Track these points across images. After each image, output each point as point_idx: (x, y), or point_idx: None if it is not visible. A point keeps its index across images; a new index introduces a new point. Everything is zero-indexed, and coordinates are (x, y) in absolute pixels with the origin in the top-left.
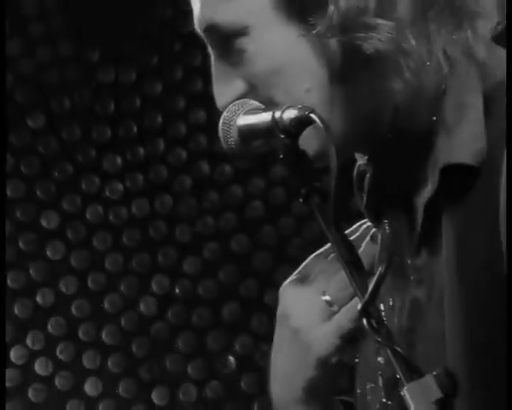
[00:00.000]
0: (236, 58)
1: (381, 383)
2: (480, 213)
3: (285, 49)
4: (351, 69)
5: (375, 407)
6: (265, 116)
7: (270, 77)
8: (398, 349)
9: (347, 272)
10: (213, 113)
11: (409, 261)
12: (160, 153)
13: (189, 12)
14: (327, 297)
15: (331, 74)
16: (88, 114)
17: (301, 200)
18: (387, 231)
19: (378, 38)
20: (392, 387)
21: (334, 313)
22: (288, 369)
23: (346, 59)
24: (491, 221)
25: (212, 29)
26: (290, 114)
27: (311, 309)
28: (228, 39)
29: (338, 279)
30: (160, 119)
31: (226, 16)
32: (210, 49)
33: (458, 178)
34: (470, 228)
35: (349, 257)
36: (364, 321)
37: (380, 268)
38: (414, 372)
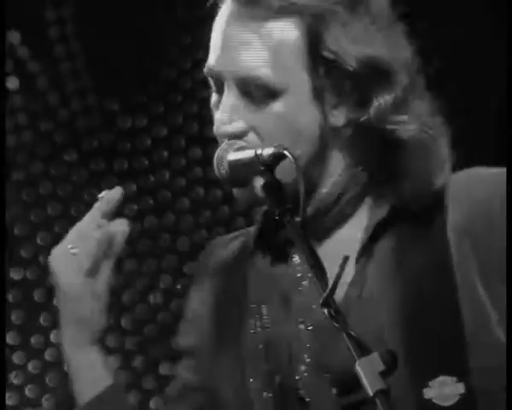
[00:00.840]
0: (255, 104)
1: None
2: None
3: (311, 126)
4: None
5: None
6: (249, 152)
7: (280, 134)
8: (352, 333)
9: (312, 273)
10: (207, 150)
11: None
12: (166, 181)
13: (189, 72)
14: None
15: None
16: (110, 151)
17: (276, 217)
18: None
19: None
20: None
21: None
22: None
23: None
24: (438, 237)
25: (249, 80)
26: (268, 150)
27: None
28: (258, 91)
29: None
30: (165, 154)
31: (270, 76)
32: (228, 84)
33: None
34: (415, 239)
35: (313, 262)
36: (325, 311)
37: (338, 270)
38: (364, 351)
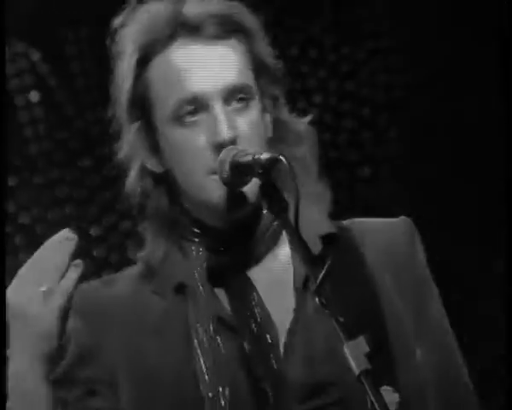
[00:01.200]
0: (237, 114)
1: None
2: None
3: (263, 124)
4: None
5: None
6: (248, 157)
7: (254, 141)
8: (341, 319)
9: (306, 265)
10: None
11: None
12: None
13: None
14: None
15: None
16: None
17: (272, 215)
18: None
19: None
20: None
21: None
22: None
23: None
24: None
25: (241, 87)
26: (266, 155)
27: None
28: (241, 96)
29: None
30: None
31: (249, 80)
32: (214, 101)
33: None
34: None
35: (306, 255)
36: (317, 299)
37: (328, 262)
38: (351, 335)
